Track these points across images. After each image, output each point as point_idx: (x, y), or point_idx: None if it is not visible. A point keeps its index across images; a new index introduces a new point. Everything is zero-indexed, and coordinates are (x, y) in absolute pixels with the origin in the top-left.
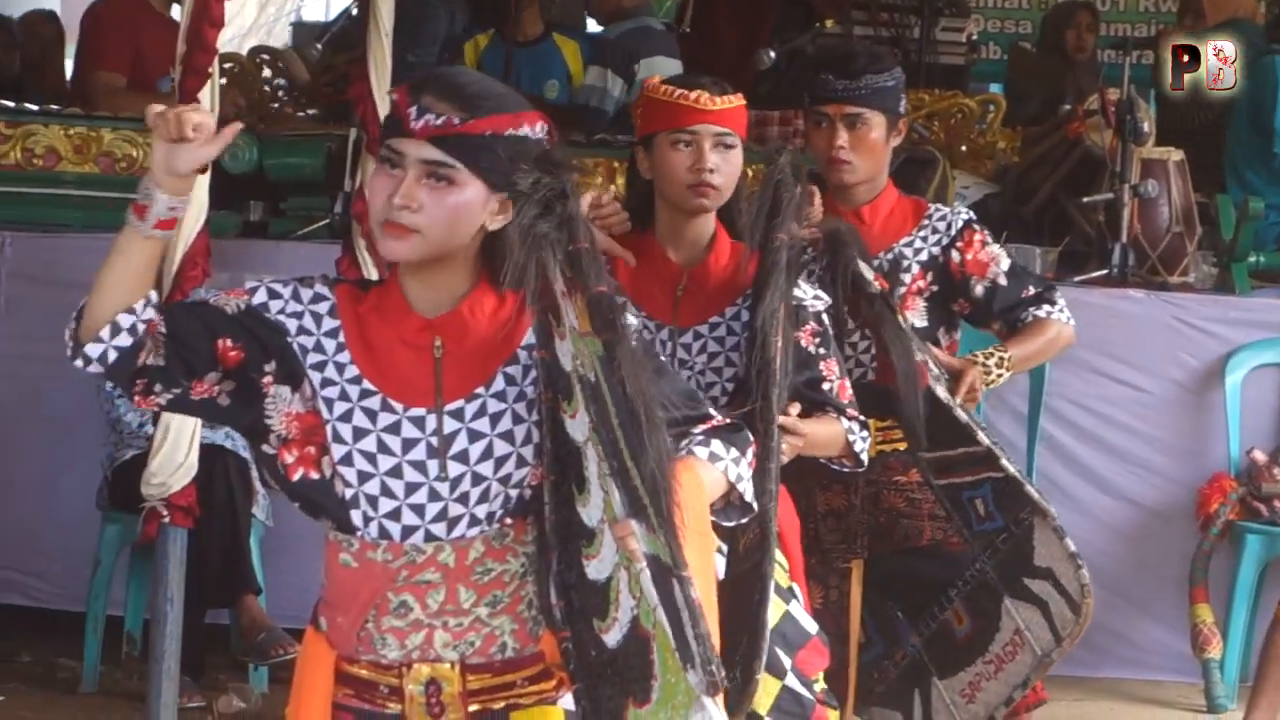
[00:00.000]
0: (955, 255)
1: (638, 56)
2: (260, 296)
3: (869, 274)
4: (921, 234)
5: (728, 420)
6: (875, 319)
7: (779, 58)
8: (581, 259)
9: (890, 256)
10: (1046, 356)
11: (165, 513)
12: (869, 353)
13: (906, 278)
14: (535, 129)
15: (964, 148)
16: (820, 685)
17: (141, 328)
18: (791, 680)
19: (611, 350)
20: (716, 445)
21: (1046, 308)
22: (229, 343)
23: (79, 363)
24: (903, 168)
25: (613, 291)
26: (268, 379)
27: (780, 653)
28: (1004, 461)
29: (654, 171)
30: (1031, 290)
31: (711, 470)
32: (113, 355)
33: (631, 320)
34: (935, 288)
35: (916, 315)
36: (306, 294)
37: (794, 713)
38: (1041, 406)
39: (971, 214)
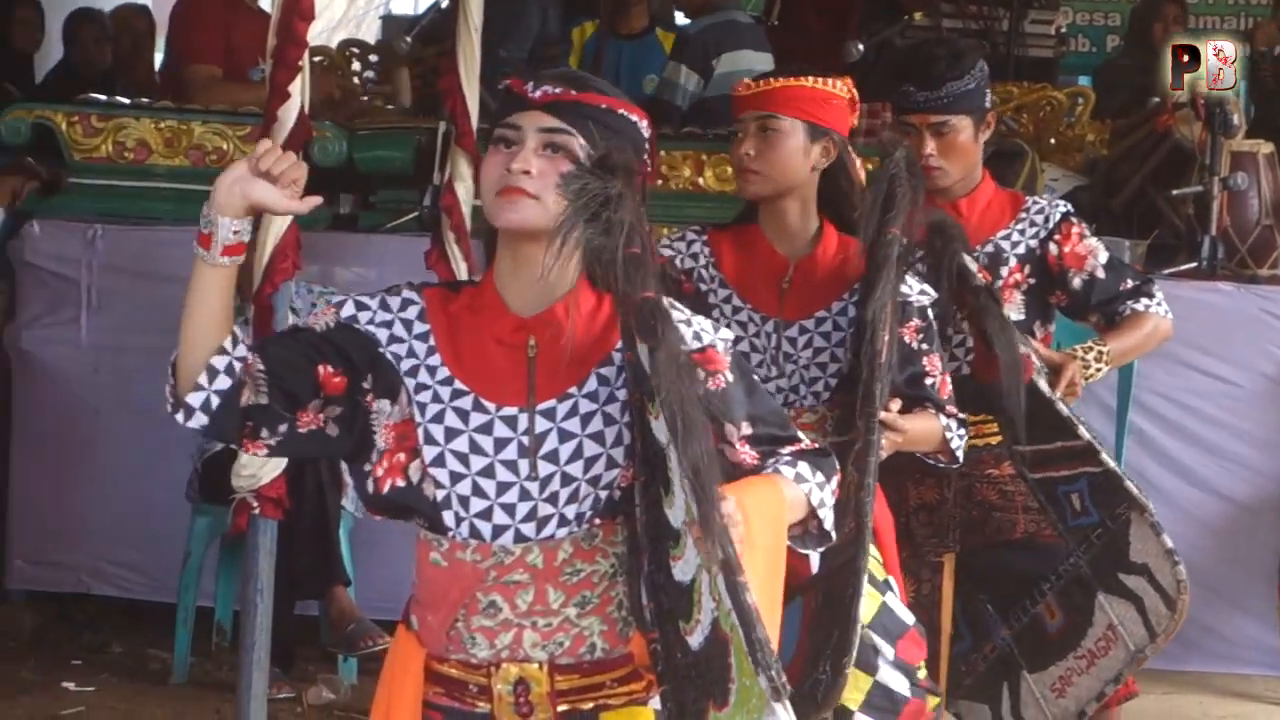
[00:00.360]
0: (1053, 248)
1: (718, 51)
2: (349, 309)
3: (973, 266)
4: (1019, 227)
5: (816, 445)
6: (980, 311)
7: (867, 50)
8: (627, 265)
9: (988, 249)
10: (1145, 350)
11: (255, 504)
12: (963, 346)
13: (1004, 270)
14: (642, 122)
15: (1053, 140)
16: (922, 673)
17: (238, 366)
18: (884, 675)
19: (653, 356)
20: (803, 468)
21: (1145, 301)
22: (329, 369)
23: (180, 417)
24: (991, 160)
25: (659, 298)
26: (369, 396)
27: (881, 643)
28: (1103, 456)
29: None
30: (1129, 283)
31: (795, 490)
32: (215, 401)
33: (728, 334)
34: (1032, 280)
35: (1013, 308)
36: (394, 302)
37: (884, 708)
38: (1130, 400)
39: (1069, 206)
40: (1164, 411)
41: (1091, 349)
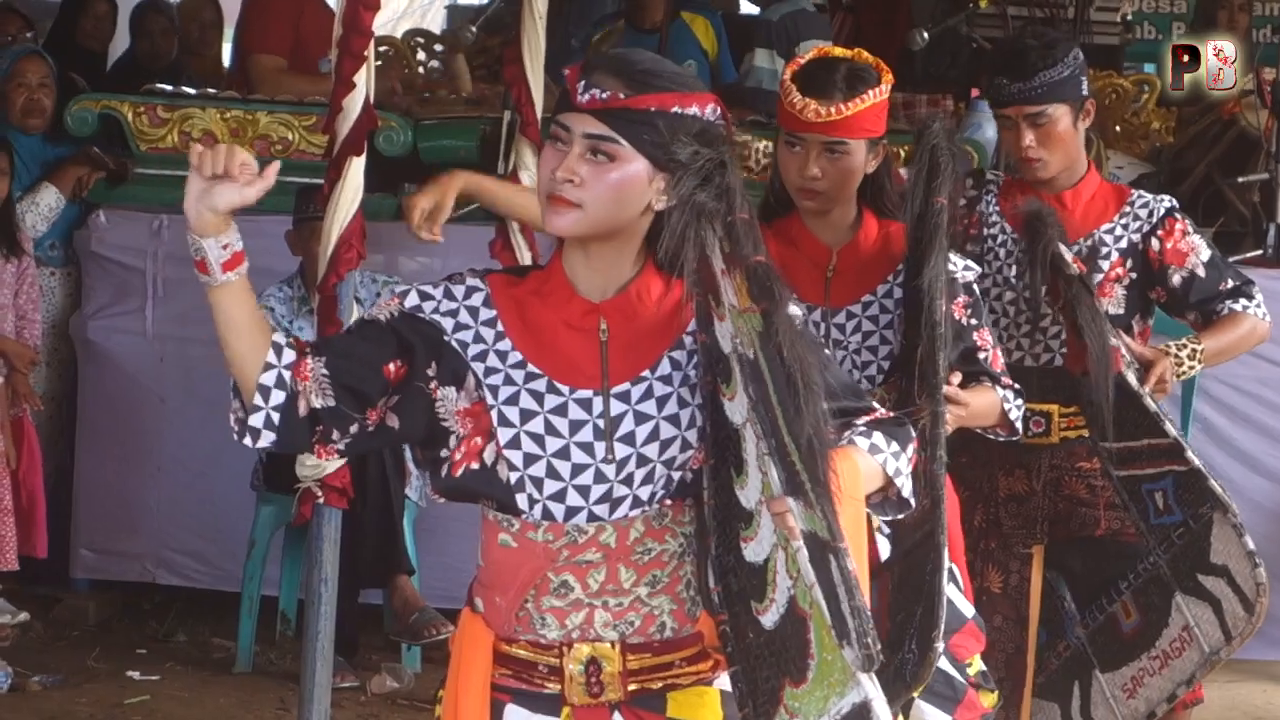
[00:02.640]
0: (1155, 243)
1: (799, 38)
2: (412, 299)
3: (1068, 255)
4: (1123, 221)
5: (891, 414)
6: (1071, 301)
7: (932, 38)
8: (740, 229)
9: (1090, 243)
10: (1240, 351)
11: (320, 494)
12: (1059, 338)
13: (1105, 264)
14: (706, 110)
15: (1118, 128)
16: (975, 668)
17: (288, 375)
18: (944, 662)
19: (770, 318)
20: (878, 438)
21: (1243, 301)
22: (397, 364)
23: (248, 441)
24: None
25: (770, 262)
26: (433, 384)
27: None
28: (1189, 454)
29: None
30: (1229, 283)
31: (870, 461)
32: (276, 417)
33: (797, 310)
34: (1133, 275)
35: (1113, 303)
36: (459, 290)
37: (946, 695)
38: (1195, 388)
39: (1174, 202)
40: (1229, 400)
41: (1185, 346)
